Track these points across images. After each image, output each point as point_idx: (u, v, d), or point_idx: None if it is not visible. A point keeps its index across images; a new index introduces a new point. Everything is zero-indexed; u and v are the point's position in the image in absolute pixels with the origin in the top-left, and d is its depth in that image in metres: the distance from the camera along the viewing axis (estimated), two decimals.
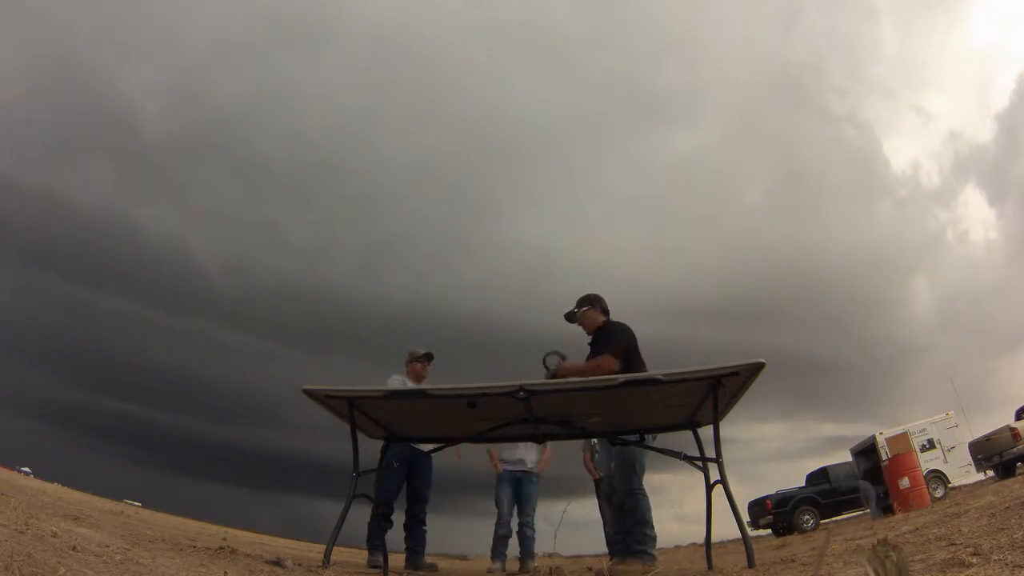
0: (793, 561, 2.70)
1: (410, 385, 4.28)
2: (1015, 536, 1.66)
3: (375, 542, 4.10)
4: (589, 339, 3.69)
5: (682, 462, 3.27)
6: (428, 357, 4.68)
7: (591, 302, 3.74)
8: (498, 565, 4.61)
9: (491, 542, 4.72)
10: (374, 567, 3.81)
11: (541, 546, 4.79)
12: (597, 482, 5.20)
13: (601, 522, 5.15)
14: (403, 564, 4.33)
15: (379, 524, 4.16)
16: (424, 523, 4.45)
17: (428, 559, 4.48)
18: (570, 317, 3.77)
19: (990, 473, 11.33)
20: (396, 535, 4.35)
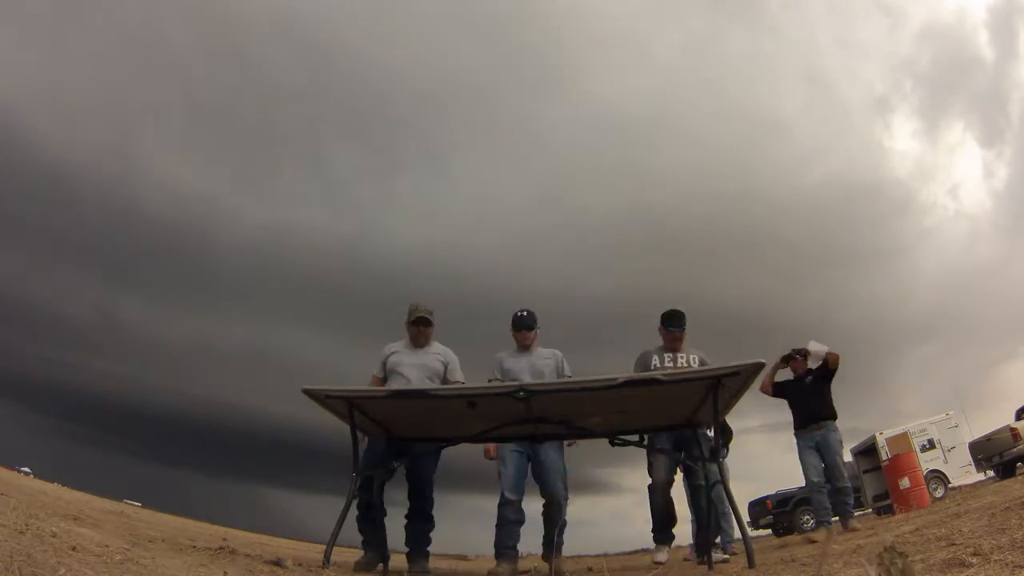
0: (793, 561, 2.70)
1: (402, 349, 3.91)
2: (1015, 536, 1.66)
3: (365, 538, 3.53)
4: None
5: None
6: (416, 322, 3.87)
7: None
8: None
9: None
10: (362, 570, 3.29)
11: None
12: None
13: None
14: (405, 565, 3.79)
15: (362, 514, 3.50)
16: (430, 520, 3.75)
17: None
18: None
19: (990, 473, 11.33)
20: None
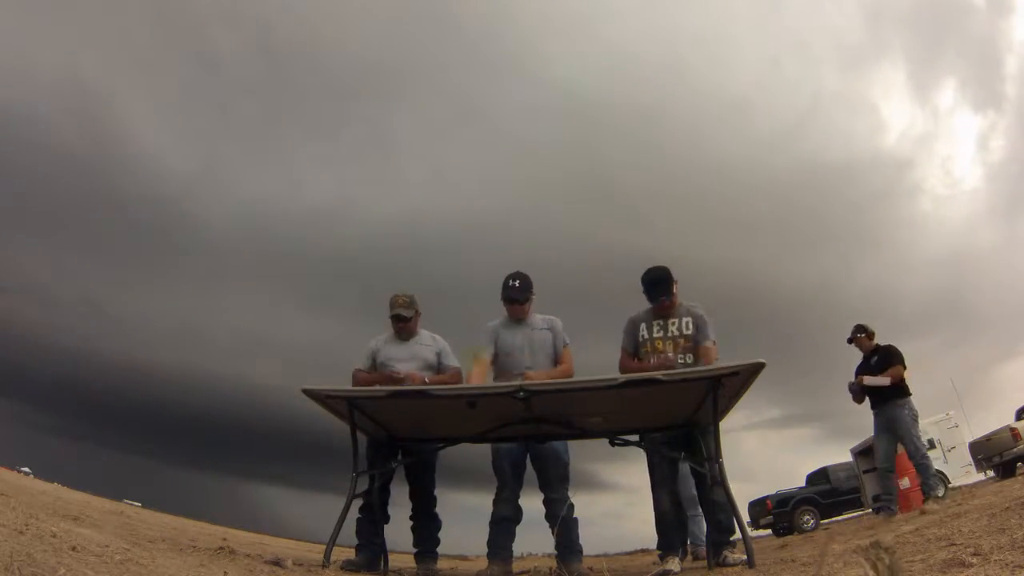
0: (793, 561, 2.70)
1: (391, 343, 3.75)
2: (1015, 536, 1.66)
3: (363, 538, 3.40)
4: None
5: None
6: (393, 319, 3.72)
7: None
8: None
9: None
10: (352, 570, 3.14)
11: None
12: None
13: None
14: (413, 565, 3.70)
15: (363, 515, 3.40)
16: (435, 519, 3.69)
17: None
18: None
19: (990, 473, 11.32)
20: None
